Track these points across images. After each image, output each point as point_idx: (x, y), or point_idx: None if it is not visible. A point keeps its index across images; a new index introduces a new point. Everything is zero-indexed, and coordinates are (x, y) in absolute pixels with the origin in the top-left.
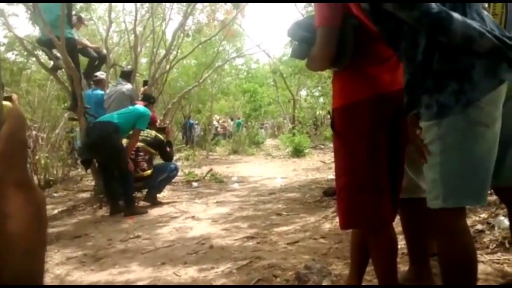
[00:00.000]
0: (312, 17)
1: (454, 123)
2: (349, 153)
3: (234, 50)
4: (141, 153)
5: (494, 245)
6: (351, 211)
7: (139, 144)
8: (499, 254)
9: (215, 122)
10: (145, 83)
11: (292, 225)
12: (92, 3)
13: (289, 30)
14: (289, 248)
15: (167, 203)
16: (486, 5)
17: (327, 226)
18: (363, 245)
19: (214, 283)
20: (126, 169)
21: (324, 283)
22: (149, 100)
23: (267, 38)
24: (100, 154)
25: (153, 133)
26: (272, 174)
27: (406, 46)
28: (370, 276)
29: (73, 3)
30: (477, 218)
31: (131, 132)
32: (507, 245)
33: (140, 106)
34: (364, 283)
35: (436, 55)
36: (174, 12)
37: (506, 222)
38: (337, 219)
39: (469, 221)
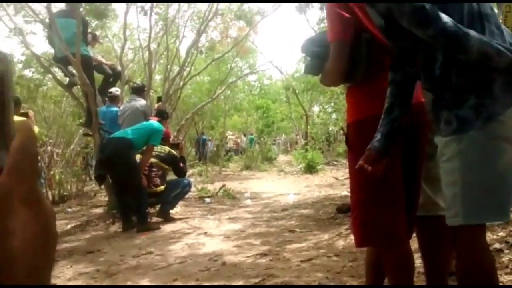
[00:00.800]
0: (324, 32)
1: (474, 138)
2: (363, 170)
3: (247, 66)
4: (155, 169)
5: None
6: (365, 228)
7: (153, 160)
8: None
9: (229, 137)
10: (159, 99)
11: (305, 242)
12: (107, 21)
13: (302, 46)
14: (303, 265)
15: (180, 219)
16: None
17: (341, 243)
18: (379, 263)
19: None
20: (139, 185)
21: None
22: (162, 115)
23: (280, 54)
24: (114, 170)
25: (167, 148)
26: (285, 190)
27: (423, 62)
28: None
29: (88, 22)
30: (495, 237)
31: (144, 148)
32: None
33: (153, 122)
34: None
35: (454, 69)
36: (188, 29)
37: None
38: (351, 237)
39: (487, 240)
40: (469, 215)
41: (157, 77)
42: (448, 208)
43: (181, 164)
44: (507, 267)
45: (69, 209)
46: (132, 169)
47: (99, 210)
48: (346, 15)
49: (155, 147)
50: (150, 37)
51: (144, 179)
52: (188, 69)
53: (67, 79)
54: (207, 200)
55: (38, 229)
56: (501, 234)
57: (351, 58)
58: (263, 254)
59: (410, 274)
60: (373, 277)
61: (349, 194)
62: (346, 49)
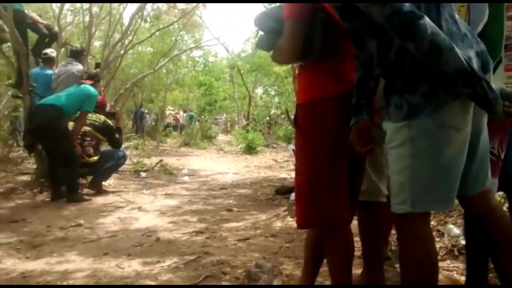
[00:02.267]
0: (281, 7)
1: (424, 125)
2: (311, 151)
3: (192, 41)
4: (88, 138)
5: (444, 252)
6: (309, 210)
7: (86, 128)
8: (448, 261)
9: (169, 112)
10: (97, 65)
11: (242, 221)
12: None
13: (257, 19)
14: (239, 245)
15: (113, 192)
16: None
17: (278, 224)
18: (318, 245)
19: (159, 278)
20: (71, 154)
21: (275, 282)
22: (94, 78)
23: (227, 31)
24: (44, 139)
25: (102, 117)
26: (223, 169)
27: (378, 47)
28: (321, 277)
29: None
30: None
31: (78, 114)
32: (456, 253)
33: (87, 86)
34: (316, 284)
35: (408, 56)
36: None
37: (456, 230)
38: (288, 218)
39: None
40: (416, 202)
41: (97, 44)
42: (394, 195)
43: (117, 135)
44: (438, 254)
45: None
46: (63, 137)
47: (26, 178)
48: None
49: (90, 115)
50: None
51: (78, 148)
52: (130, 37)
53: None
54: (143, 174)
55: None
56: (432, 223)
57: (306, 36)
58: (199, 232)
59: (349, 257)
60: (312, 258)
61: (287, 176)
62: (301, 27)
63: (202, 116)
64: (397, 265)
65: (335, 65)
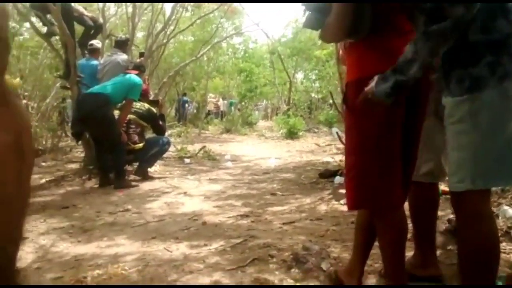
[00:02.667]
0: None
1: (488, 98)
2: (361, 131)
3: (232, 28)
4: (133, 126)
5: (500, 235)
6: (360, 191)
7: (131, 116)
8: (504, 244)
9: (210, 99)
10: (141, 54)
11: (287, 205)
12: None
13: None
14: (285, 228)
15: (158, 178)
16: None
17: (323, 208)
18: (369, 228)
19: (206, 260)
20: (117, 142)
21: (323, 265)
22: (139, 68)
23: (267, 17)
24: (91, 127)
25: (146, 105)
26: (265, 154)
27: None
28: (371, 260)
29: None
30: None
31: (123, 103)
32: None
33: (132, 75)
34: (365, 268)
35: (472, 26)
36: None
37: (511, 211)
38: (333, 202)
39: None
40: (476, 179)
41: (139, 34)
42: (453, 173)
43: (161, 122)
44: None
45: (43, 163)
46: (110, 125)
47: (74, 166)
48: None
49: (134, 104)
50: None
51: (124, 135)
52: (172, 26)
53: (46, 28)
54: (187, 160)
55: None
56: None
57: (355, 13)
58: (245, 216)
59: (402, 239)
60: (362, 241)
61: (331, 160)
62: (350, 5)
63: (243, 103)
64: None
65: (386, 41)
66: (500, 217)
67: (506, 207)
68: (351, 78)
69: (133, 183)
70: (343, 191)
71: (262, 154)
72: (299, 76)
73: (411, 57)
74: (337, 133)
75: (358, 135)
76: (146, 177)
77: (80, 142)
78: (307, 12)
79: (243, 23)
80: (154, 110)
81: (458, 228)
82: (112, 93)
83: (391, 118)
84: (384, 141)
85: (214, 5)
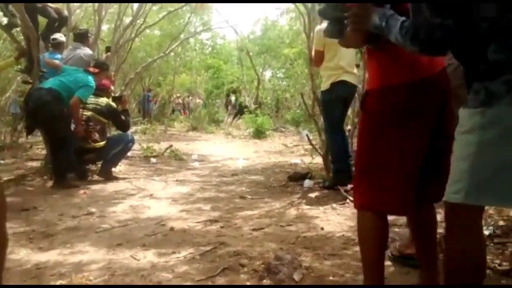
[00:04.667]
0: None
1: (500, 114)
2: (376, 135)
3: (201, 23)
4: (92, 123)
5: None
6: (367, 193)
7: (88, 113)
8: None
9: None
10: (108, 49)
11: (256, 209)
12: None
13: (321, 10)
14: (255, 234)
15: (123, 178)
16: None
17: (293, 212)
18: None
19: (175, 270)
20: (64, 139)
21: (295, 276)
22: (102, 66)
23: (236, 13)
24: (38, 122)
25: (105, 100)
26: (233, 154)
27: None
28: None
29: None
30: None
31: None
32: None
33: (86, 75)
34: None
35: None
36: None
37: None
38: (303, 206)
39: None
40: (470, 194)
41: (104, 27)
42: (451, 183)
43: (123, 117)
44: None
45: (2, 161)
46: (57, 120)
47: (35, 164)
48: None
49: (91, 99)
50: None
51: (81, 132)
52: (139, 21)
53: (6, 19)
54: (153, 160)
55: None
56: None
57: None
58: (214, 221)
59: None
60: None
61: (299, 162)
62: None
63: (210, 100)
64: None
65: (404, 51)
66: None
67: None
68: (372, 86)
69: (73, 183)
70: (312, 195)
71: (230, 154)
72: (268, 74)
73: (395, 21)
74: (307, 135)
75: (373, 138)
76: (110, 177)
77: (41, 138)
78: (328, 23)
79: (212, 19)
80: (113, 104)
81: (445, 238)
82: (61, 89)
83: (409, 127)
84: (398, 148)
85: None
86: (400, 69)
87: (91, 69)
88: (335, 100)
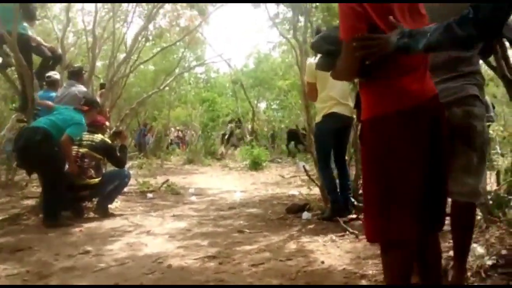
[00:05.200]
0: (336, 29)
1: None
2: (376, 165)
3: (194, 58)
4: (87, 160)
5: (469, 274)
6: (374, 223)
7: (83, 150)
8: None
9: (172, 129)
10: (102, 86)
11: (255, 244)
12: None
13: (314, 43)
14: (254, 270)
15: (120, 215)
16: None
17: (292, 246)
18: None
19: None
20: (54, 179)
21: None
22: (92, 104)
23: (229, 46)
24: (28, 162)
25: (99, 137)
26: (230, 187)
27: None
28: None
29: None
30: (447, 244)
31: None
32: (483, 275)
33: (75, 113)
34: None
35: None
36: (136, 15)
37: (480, 249)
38: (302, 239)
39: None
40: None
41: (99, 63)
42: None
43: (119, 153)
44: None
45: None
46: (46, 160)
47: (31, 202)
48: (361, 11)
49: (85, 136)
50: (95, 20)
51: (75, 169)
52: (133, 56)
53: (0, 59)
54: (149, 195)
55: None
56: None
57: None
58: (212, 257)
59: (403, 279)
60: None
61: (297, 193)
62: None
63: (206, 132)
64: None
65: (394, 80)
66: (469, 256)
67: (475, 245)
68: (365, 117)
69: (67, 222)
70: (311, 227)
71: (227, 186)
72: (262, 105)
73: (424, 32)
74: (303, 166)
75: (372, 170)
76: (106, 214)
77: (35, 176)
78: (319, 56)
79: (206, 53)
80: (108, 140)
81: None
82: (51, 128)
83: (406, 153)
84: (399, 177)
85: (176, 36)
86: (392, 98)
87: (81, 107)
88: (325, 132)
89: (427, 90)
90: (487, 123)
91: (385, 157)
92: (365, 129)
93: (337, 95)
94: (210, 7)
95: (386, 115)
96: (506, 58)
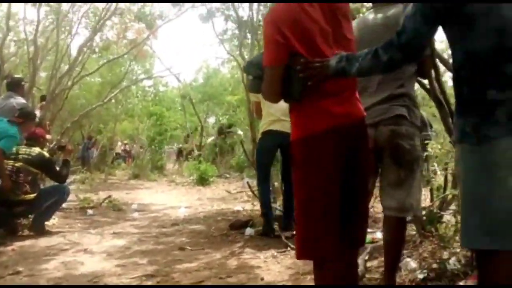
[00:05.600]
0: (262, 54)
1: (462, 152)
2: (303, 184)
3: (143, 71)
4: (22, 174)
5: None
6: (302, 242)
7: (18, 164)
8: None
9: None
10: (43, 98)
11: (196, 261)
12: None
13: (245, 66)
14: None
15: (57, 232)
16: None
17: (234, 263)
18: None
19: None
20: None
21: None
22: (27, 116)
23: (178, 61)
24: None
25: (37, 150)
26: (175, 202)
27: None
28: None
29: None
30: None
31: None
32: None
33: (8, 125)
34: None
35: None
36: (82, 26)
37: (412, 263)
38: (244, 255)
39: (375, 262)
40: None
41: (42, 74)
42: None
43: (58, 168)
44: None
45: None
46: None
47: None
48: (281, 40)
49: (22, 149)
50: (37, 30)
51: (9, 185)
52: (77, 68)
53: None
54: (90, 211)
55: None
56: None
57: (287, 78)
58: (150, 275)
59: None
60: None
61: (241, 209)
62: (277, 73)
63: (153, 146)
64: None
65: (318, 102)
66: (402, 270)
67: (408, 259)
68: (293, 137)
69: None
70: (253, 243)
71: (171, 202)
72: (211, 120)
73: (358, 57)
74: (247, 182)
75: (302, 188)
76: (42, 231)
77: None
78: (249, 77)
79: (154, 67)
80: (46, 155)
81: None
82: None
83: (332, 172)
84: (325, 194)
85: (124, 48)
86: (315, 119)
87: (16, 119)
88: (263, 150)
89: (351, 112)
90: (426, 141)
91: (310, 175)
92: (294, 149)
93: (277, 112)
94: (158, 21)
95: (312, 135)
96: (439, 80)
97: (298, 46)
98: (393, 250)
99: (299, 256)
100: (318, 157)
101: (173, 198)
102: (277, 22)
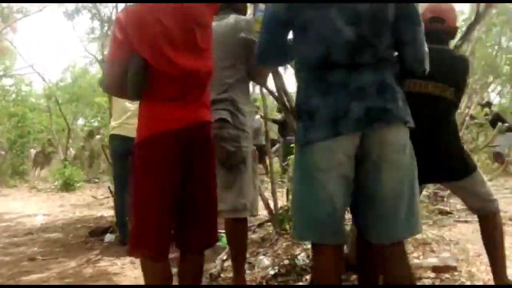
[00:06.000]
0: None
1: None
2: (136, 186)
3: (2, 68)
4: None
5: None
6: (132, 238)
7: None
8: None
9: None
10: None
11: (47, 271)
12: None
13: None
14: None
15: None
16: None
17: (89, 271)
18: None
19: None
20: None
21: None
22: None
23: (44, 60)
24: None
25: None
26: (33, 210)
27: None
28: None
29: None
30: None
31: None
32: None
33: None
34: None
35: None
36: None
37: (266, 261)
38: (101, 263)
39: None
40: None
41: None
42: None
43: None
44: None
45: None
46: None
47: None
48: (123, 39)
49: None
50: None
51: None
52: None
53: None
54: None
55: None
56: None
57: (124, 76)
58: None
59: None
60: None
61: (105, 215)
62: (115, 69)
63: (14, 150)
64: None
65: (156, 106)
66: (255, 267)
67: (262, 257)
68: (135, 140)
69: None
70: (112, 250)
71: (29, 210)
72: (81, 122)
73: None
74: (108, 187)
75: (134, 190)
76: None
77: None
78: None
79: (15, 64)
80: None
81: None
82: None
83: (162, 175)
84: (155, 197)
85: None
86: (149, 122)
87: None
88: (114, 155)
89: (192, 117)
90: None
91: (139, 176)
92: (134, 151)
93: (125, 114)
94: (18, 14)
95: (147, 137)
96: (283, 89)
97: (139, 49)
98: (236, 250)
99: (128, 253)
100: (152, 158)
101: (32, 206)
102: (124, 22)
